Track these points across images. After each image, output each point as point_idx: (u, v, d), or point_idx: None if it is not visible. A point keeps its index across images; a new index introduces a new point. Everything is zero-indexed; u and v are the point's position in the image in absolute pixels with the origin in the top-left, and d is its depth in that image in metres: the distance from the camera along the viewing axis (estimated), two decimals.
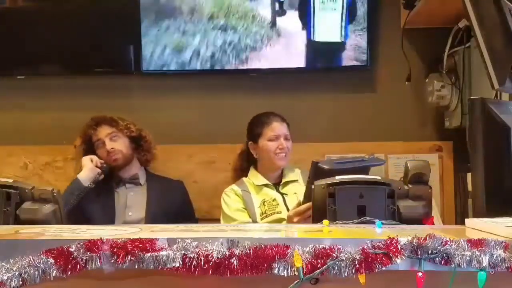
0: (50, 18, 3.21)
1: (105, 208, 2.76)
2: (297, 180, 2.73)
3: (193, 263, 1.10)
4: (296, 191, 2.65)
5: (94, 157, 2.77)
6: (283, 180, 2.75)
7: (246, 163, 2.82)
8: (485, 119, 1.56)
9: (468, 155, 1.62)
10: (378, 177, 1.78)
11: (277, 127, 2.75)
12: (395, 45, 3.12)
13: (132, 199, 2.80)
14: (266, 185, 2.73)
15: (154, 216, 2.73)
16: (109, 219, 2.71)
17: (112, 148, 2.78)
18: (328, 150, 3.18)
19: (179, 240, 1.14)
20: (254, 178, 2.75)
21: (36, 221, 1.66)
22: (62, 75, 3.26)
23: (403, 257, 1.10)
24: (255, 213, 2.64)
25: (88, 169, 2.73)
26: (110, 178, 2.85)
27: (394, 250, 1.10)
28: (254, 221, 2.62)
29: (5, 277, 1.07)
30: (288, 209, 2.54)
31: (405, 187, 1.71)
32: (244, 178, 2.80)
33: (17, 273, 1.08)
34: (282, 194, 2.69)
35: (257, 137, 2.76)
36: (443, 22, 2.98)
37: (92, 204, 2.76)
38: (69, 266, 1.11)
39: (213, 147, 3.22)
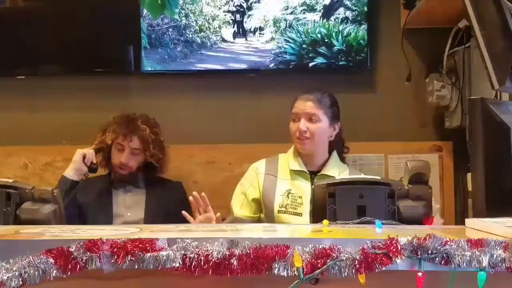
0: (50, 18, 3.21)
1: (103, 208, 2.75)
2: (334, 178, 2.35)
3: (193, 263, 1.11)
4: None
5: (89, 154, 2.70)
6: (322, 172, 2.42)
7: None
8: (485, 119, 1.56)
9: (468, 155, 1.63)
10: (378, 177, 1.78)
11: (299, 106, 2.43)
12: (395, 45, 3.12)
13: (131, 200, 2.80)
14: (301, 173, 2.42)
15: (153, 217, 2.72)
16: (107, 219, 2.70)
17: (126, 163, 2.73)
18: None
19: (179, 240, 1.14)
20: (292, 159, 2.45)
21: (36, 221, 1.66)
22: (62, 75, 3.26)
23: (403, 257, 1.10)
24: (273, 201, 2.37)
25: (76, 167, 2.67)
26: (109, 178, 2.84)
27: (394, 250, 1.10)
28: (269, 208, 2.37)
29: (5, 277, 1.07)
30: (312, 212, 2.29)
31: (405, 187, 1.71)
32: (280, 155, 2.51)
33: (17, 273, 1.08)
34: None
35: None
36: (443, 22, 2.98)
37: (90, 203, 2.75)
38: (69, 266, 1.11)
39: (213, 147, 3.22)
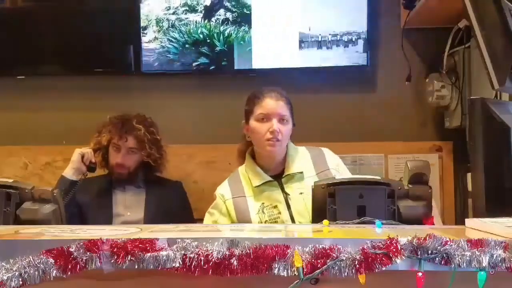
0: (50, 18, 3.21)
1: (103, 207, 2.75)
2: (302, 172, 2.24)
3: (193, 263, 1.10)
4: (302, 189, 2.18)
5: (87, 153, 2.73)
6: (286, 172, 2.24)
7: (246, 146, 2.37)
8: (485, 119, 1.56)
9: (468, 155, 1.63)
10: (378, 177, 1.78)
11: (269, 105, 2.25)
12: (395, 45, 3.12)
13: (131, 200, 2.80)
14: (266, 183, 2.24)
15: (152, 217, 2.72)
16: (107, 219, 2.70)
17: (122, 163, 2.74)
18: None
19: (179, 240, 1.14)
20: (251, 173, 2.27)
21: (36, 221, 1.65)
22: (62, 75, 3.26)
23: (403, 257, 1.10)
24: (251, 222, 2.22)
25: (75, 166, 2.70)
26: (109, 178, 2.84)
27: (394, 250, 1.10)
28: None
29: (5, 277, 1.07)
30: (292, 218, 2.18)
31: (405, 187, 1.71)
32: (239, 170, 2.34)
33: (17, 273, 1.08)
34: (285, 193, 2.23)
35: (248, 115, 2.31)
36: (443, 22, 2.98)
37: (90, 203, 2.76)
38: (69, 266, 1.11)
39: (213, 147, 3.22)
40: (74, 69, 3.24)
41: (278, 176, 2.26)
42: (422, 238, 1.12)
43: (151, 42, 3.19)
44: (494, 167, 1.55)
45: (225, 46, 3.16)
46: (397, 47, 3.10)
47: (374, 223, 1.49)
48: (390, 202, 1.68)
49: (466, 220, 1.45)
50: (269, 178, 2.25)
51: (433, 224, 1.68)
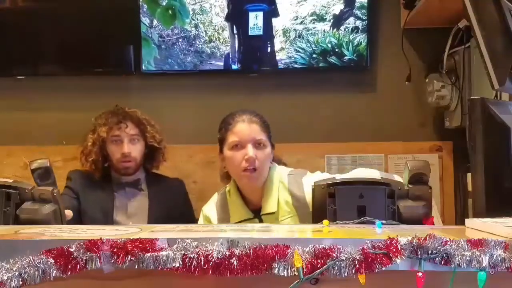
0: (50, 18, 3.21)
1: (104, 216, 2.64)
2: (274, 213, 2.01)
3: (193, 263, 1.11)
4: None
5: None
6: (262, 211, 2.05)
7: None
8: (485, 119, 1.56)
9: (468, 155, 1.63)
10: (378, 177, 1.78)
11: (242, 130, 2.03)
12: (395, 45, 3.12)
13: (133, 208, 2.71)
14: (245, 220, 2.06)
15: (156, 221, 2.64)
16: (107, 223, 2.64)
17: (129, 152, 2.64)
18: (328, 150, 3.18)
19: (179, 240, 1.14)
20: (233, 205, 2.09)
21: (36, 221, 1.65)
22: (62, 75, 3.26)
23: (403, 257, 1.10)
24: None
25: None
26: (109, 179, 2.74)
27: (394, 250, 1.10)
28: None
29: (5, 277, 1.07)
30: None
31: (405, 187, 1.71)
32: (227, 194, 2.16)
33: (17, 273, 1.08)
34: None
35: (221, 144, 2.12)
36: (443, 22, 2.98)
37: (90, 206, 2.67)
38: (69, 266, 1.11)
39: (213, 147, 3.19)
40: (74, 69, 3.24)
41: (257, 211, 2.10)
42: (422, 238, 1.12)
43: (278, 52, 3.17)
44: (494, 167, 1.55)
45: (354, 55, 3.14)
46: (397, 47, 3.10)
47: (374, 223, 1.49)
48: (390, 202, 1.68)
49: (466, 220, 1.45)
50: (249, 215, 2.09)
51: (433, 224, 1.69)
